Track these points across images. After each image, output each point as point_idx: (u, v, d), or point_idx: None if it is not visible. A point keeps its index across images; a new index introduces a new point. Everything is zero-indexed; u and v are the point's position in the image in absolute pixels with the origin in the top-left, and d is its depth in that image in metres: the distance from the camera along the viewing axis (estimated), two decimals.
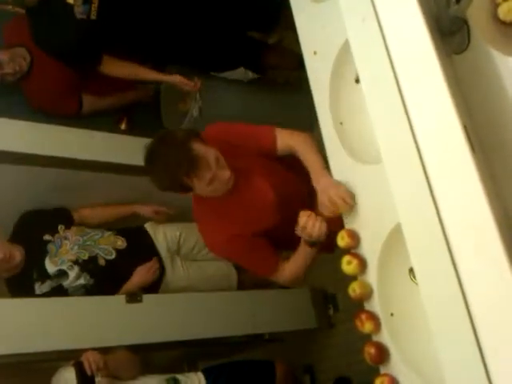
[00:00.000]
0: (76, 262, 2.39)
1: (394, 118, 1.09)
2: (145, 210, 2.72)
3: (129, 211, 2.72)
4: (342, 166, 1.57)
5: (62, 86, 2.64)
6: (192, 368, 2.46)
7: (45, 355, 2.18)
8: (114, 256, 2.47)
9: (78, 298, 2.36)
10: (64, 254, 2.40)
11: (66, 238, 2.44)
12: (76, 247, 2.43)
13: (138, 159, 2.49)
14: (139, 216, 2.72)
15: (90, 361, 2.03)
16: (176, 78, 2.46)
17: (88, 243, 2.47)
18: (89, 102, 2.77)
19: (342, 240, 1.48)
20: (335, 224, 1.56)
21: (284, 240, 1.71)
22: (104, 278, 2.42)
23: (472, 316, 0.91)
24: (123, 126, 2.93)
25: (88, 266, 2.41)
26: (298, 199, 1.76)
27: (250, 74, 2.73)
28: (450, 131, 0.99)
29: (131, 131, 2.85)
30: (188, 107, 2.64)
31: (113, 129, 2.85)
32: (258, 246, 1.72)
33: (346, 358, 2.60)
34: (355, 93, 1.54)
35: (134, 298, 2.39)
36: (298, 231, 1.60)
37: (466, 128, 1.00)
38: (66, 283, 2.36)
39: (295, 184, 1.80)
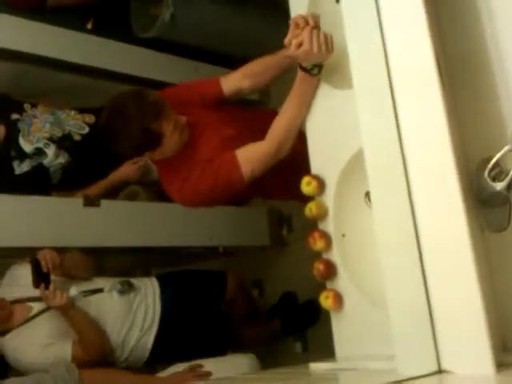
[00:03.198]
0: (51, 140, 2.38)
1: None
2: (131, 173, 2.51)
3: (117, 181, 2.53)
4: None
5: None
6: (145, 274, 2.53)
7: (1, 251, 2.20)
8: (87, 130, 2.45)
9: (36, 198, 2.35)
10: (37, 131, 2.38)
11: (34, 117, 2.40)
12: (48, 125, 2.40)
13: (101, 61, 2.46)
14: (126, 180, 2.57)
15: (46, 258, 2.06)
16: None
17: (58, 120, 2.44)
18: None
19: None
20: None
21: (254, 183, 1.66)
22: (81, 156, 2.42)
23: (419, 240, 0.97)
24: (89, 26, 2.81)
25: (64, 143, 2.40)
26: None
27: None
28: None
29: (98, 31, 2.75)
30: (160, 11, 2.55)
31: (79, 29, 2.74)
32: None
33: (294, 275, 2.72)
34: None
35: (91, 201, 2.41)
36: (291, 50, 1.43)
37: None
38: (45, 162, 2.36)
39: (251, 129, 1.74)
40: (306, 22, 1.43)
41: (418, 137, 1.00)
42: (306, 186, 1.49)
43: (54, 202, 2.43)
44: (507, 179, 0.96)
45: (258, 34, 2.85)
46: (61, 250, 2.17)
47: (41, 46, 2.46)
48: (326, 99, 1.53)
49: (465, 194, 0.94)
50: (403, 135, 1.02)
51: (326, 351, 1.46)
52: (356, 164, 1.34)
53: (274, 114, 1.65)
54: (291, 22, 1.45)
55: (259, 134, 1.63)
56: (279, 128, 1.58)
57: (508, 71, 1.09)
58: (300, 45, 1.40)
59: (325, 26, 1.50)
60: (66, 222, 2.36)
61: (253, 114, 1.83)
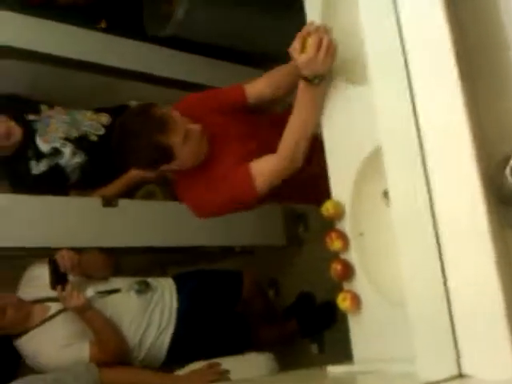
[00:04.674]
0: (68, 140, 2.39)
1: None
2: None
3: (131, 182, 2.50)
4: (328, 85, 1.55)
5: None
6: (162, 273, 2.53)
7: (19, 251, 2.21)
8: (103, 132, 2.46)
9: (55, 198, 2.37)
10: (54, 131, 2.39)
11: (51, 117, 2.42)
12: (64, 125, 2.42)
13: (116, 60, 2.45)
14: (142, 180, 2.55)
15: (64, 258, 2.07)
16: None
17: (74, 121, 2.45)
18: None
19: None
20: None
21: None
22: (98, 156, 2.42)
23: (439, 239, 0.95)
24: (103, 25, 2.80)
25: (81, 143, 2.41)
26: None
27: None
28: None
29: (111, 31, 2.74)
30: (173, 9, 2.53)
31: (92, 28, 2.74)
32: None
33: (311, 275, 2.69)
34: None
35: (109, 202, 2.41)
36: (297, 61, 1.40)
37: None
38: (62, 161, 2.38)
39: (273, 140, 1.68)
40: (316, 31, 1.40)
41: (437, 134, 0.98)
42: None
43: (72, 202, 2.45)
44: None
45: (273, 31, 2.83)
46: (79, 250, 2.18)
47: (55, 45, 2.45)
48: (343, 97, 1.51)
49: (485, 192, 0.92)
50: (422, 133, 1.00)
51: (343, 353, 1.44)
52: (374, 162, 1.32)
53: None
54: (301, 31, 1.42)
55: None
56: (289, 140, 1.56)
57: None
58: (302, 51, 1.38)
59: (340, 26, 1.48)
60: (84, 222, 2.37)
61: (276, 117, 1.77)
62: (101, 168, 2.44)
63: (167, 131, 1.55)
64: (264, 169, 1.58)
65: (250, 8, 2.74)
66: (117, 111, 2.51)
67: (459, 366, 0.89)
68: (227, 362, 2.14)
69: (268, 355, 2.19)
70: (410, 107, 1.03)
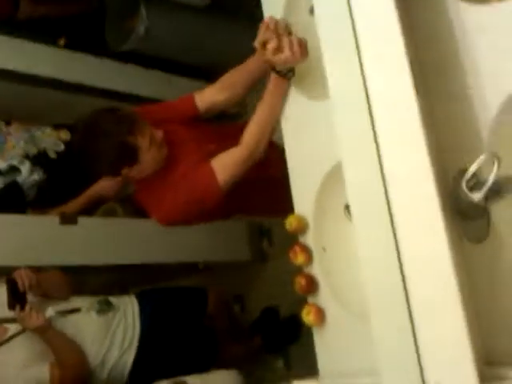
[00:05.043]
0: (26, 157, 2.36)
1: None
2: (107, 189, 2.41)
3: (93, 197, 2.43)
4: (289, 99, 1.56)
5: None
6: (124, 291, 2.49)
7: None
8: (62, 148, 2.45)
9: (11, 216, 2.31)
10: (10, 149, 2.36)
11: (8, 134, 2.39)
12: (22, 142, 2.39)
13: (75, 75, 2.42)
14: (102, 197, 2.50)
15: (22, 277, 2.01)
16: None
17: (33, 138, 2.42)
18: (25, 4, 2.58)
19: None
20: None
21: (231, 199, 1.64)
22: (57, 173, 2.40)
23: (400, 252, 0.96)
24: (62, 42, 2.77)
25: (40, 160, 2.39)
26: None
27: None
28: None
29: (71, 47, 2.72)
30: (134, 25, 2.54)
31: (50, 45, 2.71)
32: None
33: (276, 289, 2.70)
34: None
35: (68, 219, 2.36)
36: (267, 54, 1.42)
37: None
38: (20, 179, 2.34)
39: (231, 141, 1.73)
40: (276, 26, 1.43)
41: (395, 148, 1.00)
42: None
43: (29, 219, 2.39)
44: (484, 189, 0.95)
45: (232, 45, 2.85)
46: (38, 270, 2.13)
47: (13, 61, 2.42)
48: (304, 111, 1.52)
49: (443, 205, 0.93)
50: (381, 147, 1.01)
51: (309, 367, 1.44)
52: (335, 177, 1.33)
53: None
54: (261, 25, 1.45)
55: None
56: (252, 132, 1.59)
57: (481, 78, 1.08)
58: (277, 50, 1.40)
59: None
60: (42, 240, 2.32)
61: (233, 127, 1.79)
62: (59, 186, 2.41)
63: (136, 133, 1.55)
64: (226, 161, 1.59)
65: (210, 23, 2.77)
66: (76, 127, 2.49)
67: (423, 376, 0.89)
68: (194, 380, 2.11)
69: (235, 372, 2.17)
70: (369, 122, 1.04)
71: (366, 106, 1.04)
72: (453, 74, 1.13)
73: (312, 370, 1.39)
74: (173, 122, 1.72)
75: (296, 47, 1.39)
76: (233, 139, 1.66)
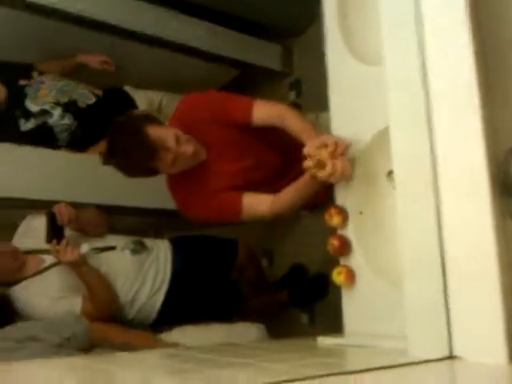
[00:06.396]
0: (57, 103, 2.43)
1: None
2: (90, 58, 2.61)
3: (72, 61, 2.61)
4: (340, 63, 1.55)
5: None
6: (159, 235, 2.54)
7: (17, 201, 2.22)
8: (93, 101, 2.52)
9: (53, 152, 2.38)
10: (44, 96, 2.43)
11: (42, 83, 2.45)
12: (54, 91, 2.45)
13: (119, 19, 2.41)
14: (86, 67, 2.62)
15: (62, 211, 2.08)
16: None
17: (65, 88, 2.48)
18: None
19: None
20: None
21: None
22: (87, 123, 2.47)
23: (441, 222, 0.96)
24: None
25: (70, 107, 2.45)
26: (270, 176, 1.78)
27: None
28: None
29: None
30: None
31: None
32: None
33: (305, 248, 2.72)
34: None
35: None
36: (306, 168, 1.46)
37: None
38: (50, 121, 2.42)
39: (269, 158, 1.79)
40: (335, 146, 1.40)
41: (448, 119, 0.99)
42: None
43: (71, 156, 2.45)
44: None
45: (282, 1, 2.81)
46: (76, 206, 2.19)
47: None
48: (353, 74, 1.50)
49: (491, 181, 0.93)
50: (433, 117, 1.00)
51: (333, 325, 1.47)
52: (380, 142, 1.33)
53: (299, 142, 1.59)
54: (321, 140, 1.44)
55: (276, 162, 1.78)
56: (282, 204, 1.67)
57: None
58: (322, 166, 1.41)
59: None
60: (83, 177, 2.37)
61: (274, 137, 1.74)
62: (90, 133, 2.48)
63: (156, 159, 1.61)
64: (252, 207, 1.68)
65: None
66: (110, 92, 2.60)
67: (451, 347, 0.91)
68: (219, 330, 2.17)
69: (259, 325, 2.21)
70: (422, 90, 1.03)
71: (421, 74, 1.03)
72: None
73: (335, 327, 1.43)
74: (221, 124, 1.71)
75: (337, 174, 1.40)
76: (272, 152, 1.77)
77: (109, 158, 1.68)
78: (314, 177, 1.46)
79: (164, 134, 1.62)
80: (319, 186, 1.53)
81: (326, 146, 1.41)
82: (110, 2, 2.56)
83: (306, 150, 1.45)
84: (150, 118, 1.71)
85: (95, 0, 2.51)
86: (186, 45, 2.74)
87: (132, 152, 1.60)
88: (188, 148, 1.64)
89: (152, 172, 1.70)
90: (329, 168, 1.39)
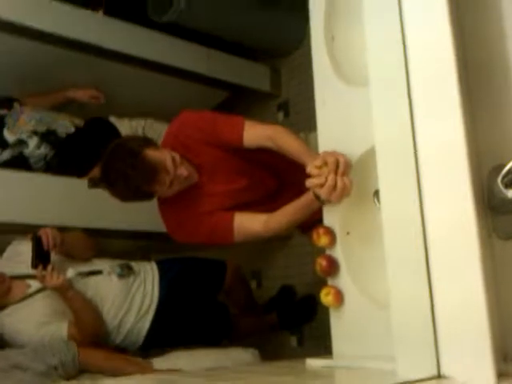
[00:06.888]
0: (35, 133, 2.42)
1: None
2: (80, 95, 2.62)
3: (61, 96, 2.62)
4: (327, 84, 1.56)
5: None
6: (145, 258, 2.53)
7: (2, 226, 2.20)
8: (73, 131, 2.51)
9: (42, 175, 2.37)
10: (22, 125, 2.43)
11: (22, 113, 2.45)
12: (33, 121, 2.45)
13: (113, 43, 2.43)
14: (74, 101, 2.63)
15: (48, 236, 2.06)
16: None
17: (46, 119, 2.48)
18: None
19: None
20: None
21: None
22: (65, 152, 2.47)
23: (427, 241, 0.96)
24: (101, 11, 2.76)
25: (49, 137, 2.45)
26: (263, 197, 1.77)
27: None
28: None
29: (111, 14, 2.72)
30: None
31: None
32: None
33: (294, 269, 2.72)
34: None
35: (95, 183, 2.39)
36: (312, 186, 1.43)
37: None
38: (26, 151, 2.41)
39: (262, 179, 1.78)
40: (336, 165, 1.39)
41: (432, 139, 0.99)
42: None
43: (58, 180, 2.43)
44: None
45: (272, 26, 2.84)
46: (62, 230, 2.17)
47: (58, 26, 2.44)
48: (340, 95, 1.51)
49: (476, 199, 0.93)
50: (417, 137, 1.01)
51: (321, 347, 1.46)
52: (366, 162, 1.33)
53: (292, 163, 1.60)
54: (321, 156, 1.43)
55: (269, 186, 1.77)
56: (277, 224, 1.63)
57: None
58: (322, 185, 1.39)
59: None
60: (68, 201, 2.36)
61: (267, 158, 1.74)
62: (66, 164, 2.47)
63: (154, 182, 1.60)
64: (245, 226, 1.65)
65: (253, 2, 2.76)
66: (93, 121, 2.59)
67: (438, 366, 0.90)
68: (210, 356, 2.14)
69: (254, 351, 2.18)
70: (407, 110, 1.04)
71: (406, 94, 1.04)
72: (496, 70, 1.11)
73: (324, 349, 1.42)
74: (213, 145, 1.70)
75: (338, 192, 1.38)
76: (265, 173, 1.76)
77: (104, 182, 1.65)
78: (317, 196, 1.44)
79: (163, 157, 1.60)
80: (318, 206, 1.49)
81: (326, 163, 1.40)
82: (102, 26, 2.59)
83: (309, 169, 1.43)
84: (147, 141, 1.69)
85: (85, 24, 2.53)
86: (178, 67, 2.76)
87: (132, 175, 1.57)
88: (183, 171, 1.63)
89: (148, 196, 1.68)
90: (328, 184, 1.37)
